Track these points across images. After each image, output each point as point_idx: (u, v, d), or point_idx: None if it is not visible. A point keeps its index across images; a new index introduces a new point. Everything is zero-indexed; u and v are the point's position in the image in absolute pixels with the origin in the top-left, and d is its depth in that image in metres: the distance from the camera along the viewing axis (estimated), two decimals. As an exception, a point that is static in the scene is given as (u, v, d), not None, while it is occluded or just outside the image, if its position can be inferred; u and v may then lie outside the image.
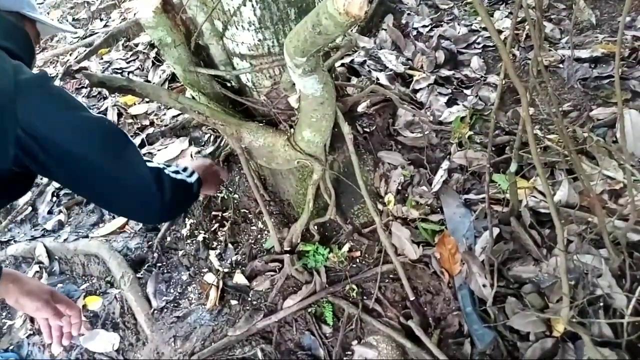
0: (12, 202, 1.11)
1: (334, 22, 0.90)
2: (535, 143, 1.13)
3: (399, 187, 1.83)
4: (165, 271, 1.86)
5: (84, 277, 1.99)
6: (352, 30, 2.50)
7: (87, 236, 2.06)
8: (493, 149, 1.87)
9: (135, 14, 3.40)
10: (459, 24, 2.55)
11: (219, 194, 1.99)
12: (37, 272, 2.04)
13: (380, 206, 1.81)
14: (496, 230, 1.60)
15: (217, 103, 1.59)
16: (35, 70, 1.05)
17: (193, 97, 1.62)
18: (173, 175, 1.16)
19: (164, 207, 1.10)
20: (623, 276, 1.41)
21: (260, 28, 1.34)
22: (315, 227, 1.75)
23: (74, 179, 1.03)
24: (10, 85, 0.92)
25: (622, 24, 1.15)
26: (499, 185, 1.73)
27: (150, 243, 1.93)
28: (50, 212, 2.26)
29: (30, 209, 2.32)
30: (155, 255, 1.89)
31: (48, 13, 3.94)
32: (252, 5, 1.28)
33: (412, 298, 1.53)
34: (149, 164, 1.09)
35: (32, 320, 1.88)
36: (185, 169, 1.27)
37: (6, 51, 0.99)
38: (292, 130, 1.49)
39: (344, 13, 0.86)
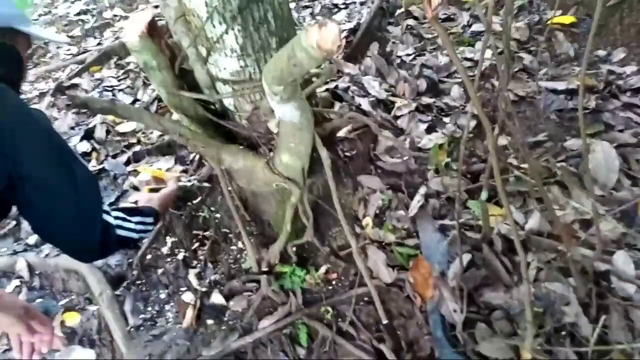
0: None
1: (307, 56, 0.94)
2: (500, 174, 1.18)
3: (377, 211, 1.87)
4: (143, 289, 1.88)
5: (63, 293, 1.99)
6: (337, 57, 2.57)
7: (68, 252, 2.07)
8: (469, 176, 1.93)
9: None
10: (441, 54, 2.62)
11: (201, 213, 2.02)
12: (17, 286, 2.04)
13: (358, 229, 1.84)
14: (469, 256, 1.64)
15: (199, 125, 1.63)
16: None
17: (178, 120, 1.66)
18: (121, 232, 1.25)
19: (99, 257, 1.25)
20: (590, 305, 1.45)
21: (242, 55, 1.39)
22: (293, 248, 1.77)
23: (34, 210, 1.10)
24: (13, 126, 0.99)
25: (585, 59, 1.21)
26: (473, 211, 1.77)
27: (130, 261, 1.95)
28: (33, 227, 2.27)
29: (14, 222, 2.33)
30: (135, 272, 1.90)
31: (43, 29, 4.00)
32: (235, 34, 1.34)
33: (385, 322, 1.55)
34: (104, 216, 1.20)
35: (8, 336, 1.87)
36: (139, 212, 1.40)
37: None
38: (271, 153, 1.53)
39: (317, 48, 0.90)
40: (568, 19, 2.63)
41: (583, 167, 1.84)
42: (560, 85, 2.24)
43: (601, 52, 2.45)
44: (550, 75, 2.37)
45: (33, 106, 3.08)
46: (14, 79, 1.09)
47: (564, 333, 1.41)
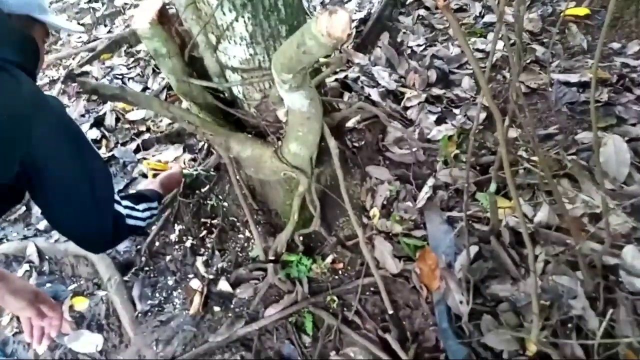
0: (3, 213, 1.19)
1: (317, 43, 0.94)
2: (509, 166, 1.17)
3: (385, 202, 1.87)
4: (151, 275, 1.89)
5: (72, 278, 2.02)
6: (347, 47, 2.56)
7: (78, 238, 2.09)
8: (478, 168, 1.92)
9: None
10: (452, 44, 2.60)
11: (209, 201, 2.03)
12: (27, 271, 2.07)
13: (365, 220, 1.85)
14: (477, 248, 1.64)
15: (208, 113, 1.63)
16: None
17: (187, 108, 1.67)
18: (130, 220, 1.26)
19: (110, 246, 1.29)
20: (597, 298, 1.44)
21: (252, 43, 1.39)
22: (300, 237, 1.78)
23: (47, 198, 1.09)
24: (29, 113, 0.98)
25: (598, 51, 1.19)
26: (482, 203, 1.76)
27: (138, 247, 1.96)
28: (43, 213, 2.30)
29: (24, 208, 2.36)
30: (143, 259, 1.92)
31: (54, 16, 4.01)
32: (244, 22, 1.33)
33: (390, 312, 1.55)
34: (116, 207, 1.20)
35: (18, 319, 1.90)
36: (144, 198, 1.40)
37: (16, 65, 1.01)
38: (279, 142, 1.53)
39: (327, 35, 0.90)
40: (582, 10, 2.59)
41: (594, 161, 1.83)
42: (573, 78, 2.21)
43: (615, 45, 2.41)
44: (562, 67, 2.34)
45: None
46: (31, 68, 1.09)
47: (570, 326, 1.40)
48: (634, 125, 1.95)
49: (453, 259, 1.64)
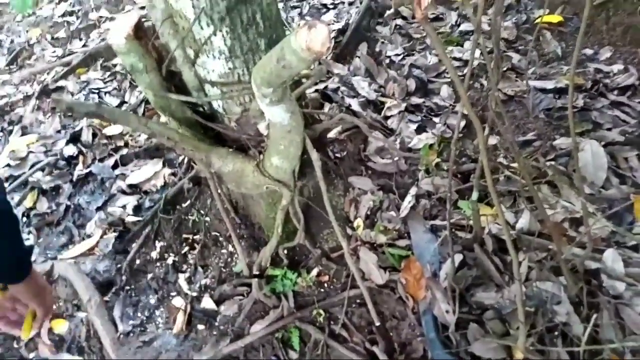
0: None
1: (297, 58, 0.93)
2: (490, 174, 1.18)
3: (368, 212, 1.86)
4: (133, 295, 1.85)
5: (50, 300, 1.96)
6: (326, 58, 2.56)
7: (55, 258, 2.04)
8: (459, 176, 1.93)
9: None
10: (430, 53, 2.63)
11: (190, 217, 2.00)
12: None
13: (349, 231, 1.84)
14: (461, 256, 1.64)
15: (188, 128, 1.61)
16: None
17: (166, 122, 1.64)
18: None
19: None
20: (581, 303, 1.46)
21: (231, 57, 1.38)
22: (285, 251, 1.76)
23: None
24: None
25: (574, 58, 1.21)
26: (464, 211, 1.77)
27: (119, 266, 1.92)
28: (19, 233, 2.23)
29: None
30: (124, 278, 1.88)
31: (27, 31, 3.93)
32: (223, 35, 1.32)
33: (377, 323, 1.54)
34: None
35: None
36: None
37: None
38: (261, 156, 1.52)
39: (306, 49, 0.89)
40: (555, 18, 2.65)
41: (572, 166, 1.86)
42: (549, 84, 2.25)
43: (588, 51, 2.46)
44: (538, 74, 2.38)
45: (18, 110, 3.03)
46: None
47: (556, 333, 1.41)
48: (609, 129, 1.99)
49: (438, 268, 1.64)
